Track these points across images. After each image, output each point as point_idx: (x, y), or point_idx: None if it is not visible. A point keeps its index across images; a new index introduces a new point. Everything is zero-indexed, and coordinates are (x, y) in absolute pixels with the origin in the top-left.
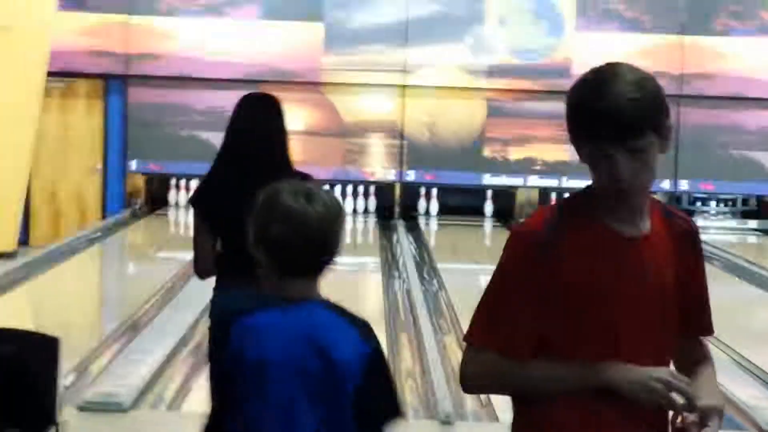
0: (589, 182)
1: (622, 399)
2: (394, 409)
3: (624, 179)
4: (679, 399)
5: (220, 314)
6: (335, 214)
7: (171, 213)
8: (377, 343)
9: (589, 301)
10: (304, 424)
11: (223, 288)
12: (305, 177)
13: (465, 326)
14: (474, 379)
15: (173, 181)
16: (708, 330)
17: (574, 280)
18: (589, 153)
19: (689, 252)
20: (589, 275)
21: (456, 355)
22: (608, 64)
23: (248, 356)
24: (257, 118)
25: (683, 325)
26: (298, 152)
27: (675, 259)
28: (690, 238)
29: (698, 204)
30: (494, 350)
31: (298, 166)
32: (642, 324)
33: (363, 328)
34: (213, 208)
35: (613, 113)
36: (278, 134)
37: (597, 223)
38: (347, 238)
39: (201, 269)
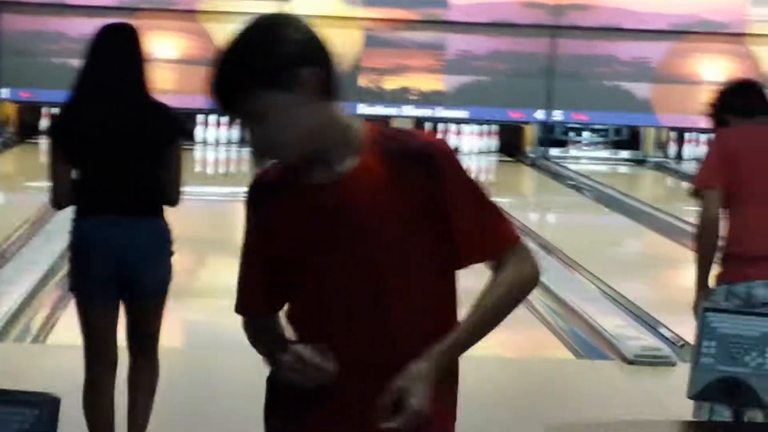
0: (465, 113)
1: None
2: None
3: (256, 148)
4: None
5: (78, 243)
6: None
7: (42, 142)
8: None
9: (290, 269)
10: None
11: (81, 217)
12: (162, 107)
13: None
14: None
15: (45, 110)
16: (491, 253)
17: (273, 244)
18: None
19: (425, 177)
20: (284, 239)
21: None
22: (249, 22)
23: None
24: (113, 49)
25: (460, 256)
26: (171, 81)
27: (398, 190)
28: (425, 162)
29: (571, 134)
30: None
31: (168, 95)
32: (351, 281)
33: None
34: (69, 137)
35: (211, 83)
36: (134, 64)
37: (291, 178)
38: (223, 168)
39: (57, 199)
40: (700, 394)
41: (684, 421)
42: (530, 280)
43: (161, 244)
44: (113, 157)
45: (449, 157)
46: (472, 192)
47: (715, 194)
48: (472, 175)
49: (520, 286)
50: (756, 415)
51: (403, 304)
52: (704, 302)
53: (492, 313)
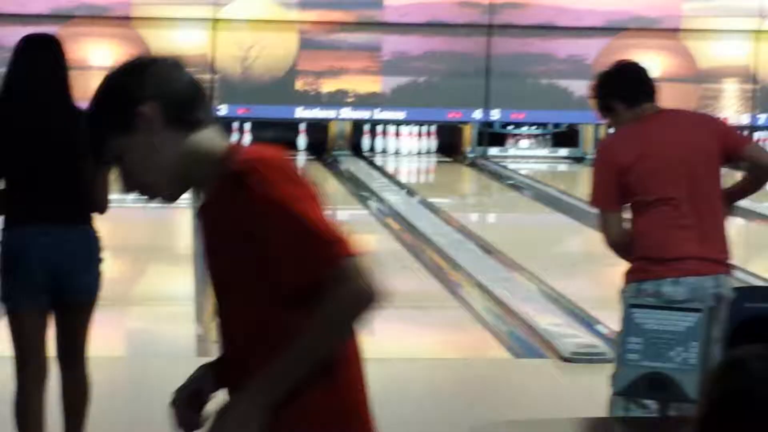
0: (403, 114)
1: None
2: None
3: (124, 188)
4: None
5: (8, 252)
6: None
7: None
8: None
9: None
10: None
11: (10, 226)
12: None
13: None
14: None
15: None
16: (308, 278)
17: None
18: None
19: (237, 200)
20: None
21: None
22: None
23: None
24: (38, 59)
25: (280, 281)
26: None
27: (223, 214)
28: (237, 183)
29: (510, 127)
30: None
31: None
32: (225, 301)
33: None
34: (3, 144)
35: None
36: (59, 73)
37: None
38: None
39: None
40: (625, 390)
41: (608, 417)
42: (351, 303)
43: (91, 252)
44: (41, 166)
45: (258, 177)
46: (283, 214)
47: (614, 217)
48: (292, 193)
49: (339, 312)
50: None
51: (238, 324)
52: (627, 297)
53: (309, 344)
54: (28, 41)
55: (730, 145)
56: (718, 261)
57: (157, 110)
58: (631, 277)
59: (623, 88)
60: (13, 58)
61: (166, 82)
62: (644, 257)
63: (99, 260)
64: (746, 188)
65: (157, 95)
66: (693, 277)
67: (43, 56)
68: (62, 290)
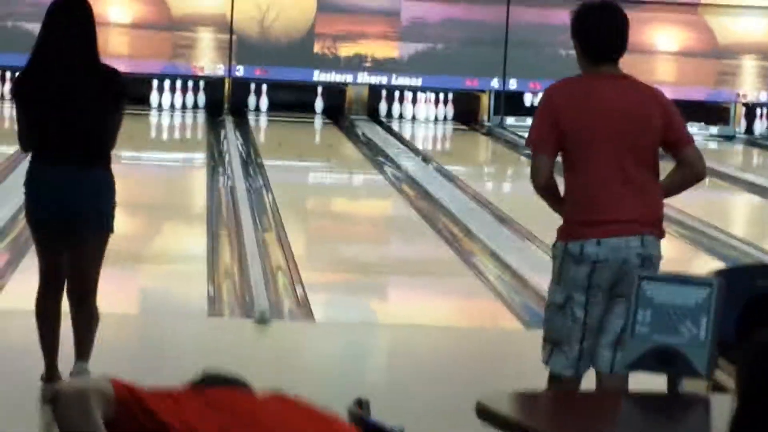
0: (419, 81)
1: None
2: None
3: None
4: None
5: (30, 181)
6: None
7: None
8: None
9: None
10: None
11: (36, 161)
12: (114, 72)
13: (286, 223)
14: None
15: (9, 74)
16: None
17: None
18: None
19: None
20: None
21: (275, 252)
22: None
23: None
24: (68, 19)
25: None
26: (123, 46)
27: None
28: None
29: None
30: None
31: (124, 60)
32: None
33: None
34: (31, 97)
35: None
36: (86, 35)
37: None
38: (178, 134)
39: (23, 145)
40: (635, 363)
41: (619, 390)
42: None
43: (104, 190)
44: (66, 116)
45: None
46: None
47: (546, 161)
48: None
49: None
50: None
51: None
52: (636, 271)
53: None
54: (59, 3)
55: (672, 137)
56: (644, 222)
57: None
58: (560, 236)
59: (589, 44)
60: (46, 18)
61: None
62: (572, 218)
63: (110, 200)
64: (669, 189)
65: None
66: (615, 238)
67: (72, 17)
68: (77, 216)
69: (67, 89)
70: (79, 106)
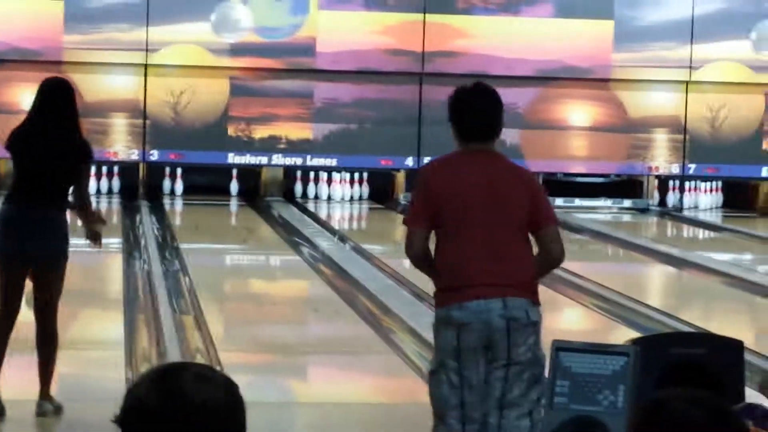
0: (334, 161)
1: None
2: None
3: None
4: None
5: (2, 217)
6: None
7: None
8: None
9: None
10: None
11: (7, 201)
12: (84, 143)
13: (204, 305)
14: None
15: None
16: None
17: None
18: None
19: None
20: None
21: (193, 335)
22: None
23: None
24: (56, 97)
25: None
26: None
27: None
28: None
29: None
30: None
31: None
32: None
33: None
34: (20, 150)
35: None
36: (70, 112)
37: None
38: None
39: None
40: None
41: None
42: None
43: (59, 228)
44: (39, 171)
45: None
46: None
47: (419, 234)
48: None
49: None
50: None
51: None
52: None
53: None
54: (50, 82)
55: (534, 217)
56: (506, 285)
57: None
58: (435, 303)
59: (461, 125)
60: (38, 96)
61: None
62: (441, 286)
63: (66, 236)
64: (536, 271)
65: None
66: (476, 301)
67: (59, 95)
68: (35, 250)
69: (45, 151)
70: (51, 164)
